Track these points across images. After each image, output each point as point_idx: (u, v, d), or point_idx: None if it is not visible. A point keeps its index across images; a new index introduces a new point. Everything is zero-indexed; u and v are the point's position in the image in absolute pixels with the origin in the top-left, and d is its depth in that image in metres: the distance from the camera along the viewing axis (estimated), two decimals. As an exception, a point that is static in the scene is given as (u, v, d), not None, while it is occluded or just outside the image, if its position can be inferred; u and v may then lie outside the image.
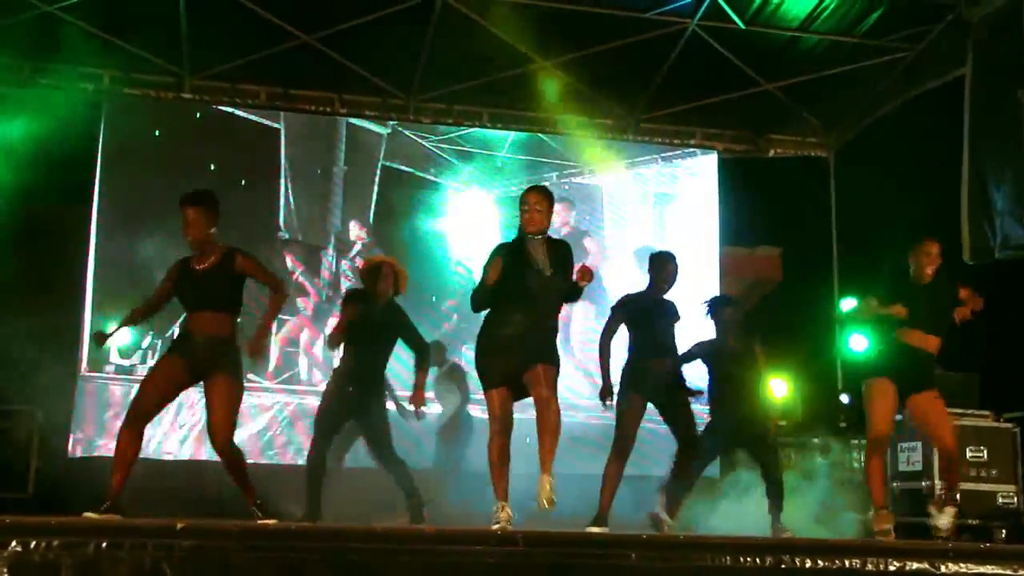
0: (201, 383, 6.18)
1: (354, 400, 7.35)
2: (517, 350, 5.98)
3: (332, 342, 7.58)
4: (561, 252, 6.25)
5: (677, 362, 7.46)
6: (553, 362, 6.05)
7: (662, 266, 7.39)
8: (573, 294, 6.28)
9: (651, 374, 7.15)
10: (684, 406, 7.35)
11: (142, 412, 6.11)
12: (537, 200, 6.17)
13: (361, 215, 11.01)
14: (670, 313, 7.41)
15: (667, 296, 7.41)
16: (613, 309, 7.39)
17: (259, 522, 5.89)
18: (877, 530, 6.72)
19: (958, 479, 7.13)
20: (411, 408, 7.40)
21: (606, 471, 7.13)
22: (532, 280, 6.06)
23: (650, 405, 7.26)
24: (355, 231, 10.98)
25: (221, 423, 6.08)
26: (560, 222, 11.32)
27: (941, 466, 7.45)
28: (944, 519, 6.75)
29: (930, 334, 6.84)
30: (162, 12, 9.64)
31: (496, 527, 5.75)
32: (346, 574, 4.27)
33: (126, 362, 10.06)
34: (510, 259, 6.11)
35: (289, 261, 10.73)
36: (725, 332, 7.83)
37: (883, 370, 6.84)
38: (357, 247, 10.90)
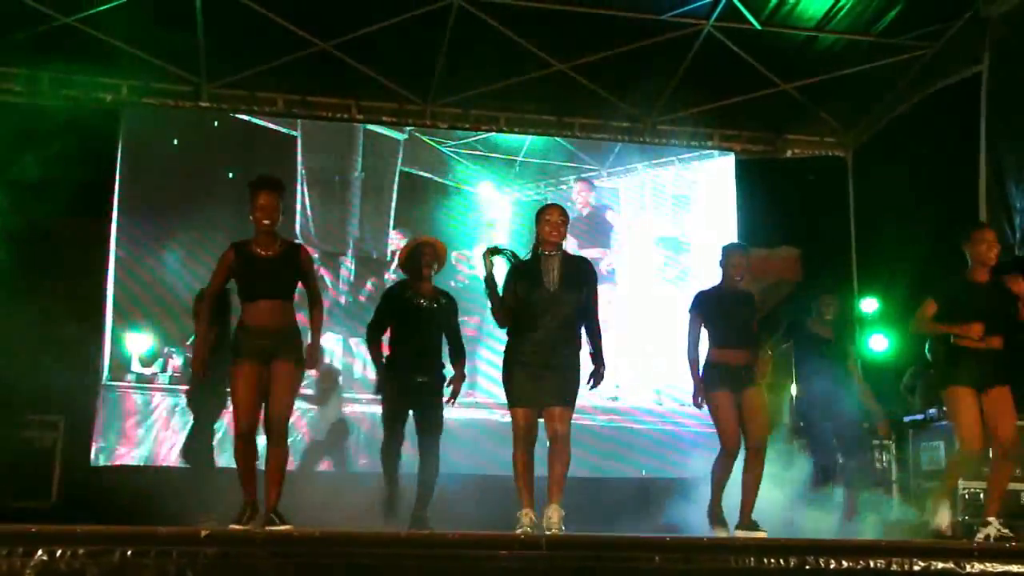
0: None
1: (413, 389, 7.25)
2: (538, 372, 6.21)
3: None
4: (575, 267, 6.41)
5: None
6: (569, 403, 6.27)
7: (728, 257, 7.37)
8: (587, 315, 6.40)
9: (731, 367, 7.09)
10: None
11: (248, 426, 6.11)
12: (559, 215, 6.36)
13: (385, 222, 11.01)
14: (746, 304, 7.33)
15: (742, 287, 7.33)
16: (690, 311, 7.30)
17: (273, 528, 5.88)
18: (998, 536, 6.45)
19: (1003, 486, 6.92)
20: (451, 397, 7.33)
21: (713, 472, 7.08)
22: (543, 297, 6.24)
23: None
24: (396, 241, 10.98)
25: (284, 411, 6.12)
26: (581, 203, 11.35)
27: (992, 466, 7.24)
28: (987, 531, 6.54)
29: (993, 335, 6.71)
30: (179, 21, 9.66)
31: (519, 531, 5.79)
32: (369, 580, 4.28)
33: (147, 371, 10.09)
34: (523, 278, 6.30)
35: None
36: None
37: (960, 377, 6.69)
38: (368, 252, 10.93)
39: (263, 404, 6.13)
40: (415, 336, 7.31)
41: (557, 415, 6.19)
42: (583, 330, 6.42)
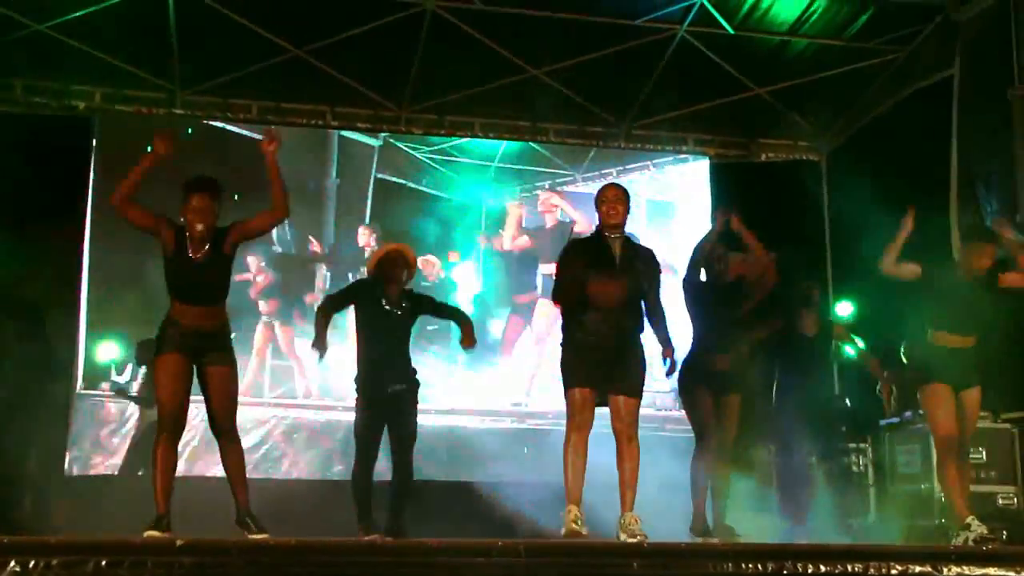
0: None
1: (387, 399, 7.15)
2: (601, 356, 6.02)
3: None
4: (635, 252, 6.30)
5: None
6: (633, 392, 6.09)
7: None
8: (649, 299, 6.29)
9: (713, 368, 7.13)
10: None
11: (178, 431, 6.06)
12: (616, 195, 6.30)
13: (347, 228, 10.99)
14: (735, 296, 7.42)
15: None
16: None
17: (249, 536, 5.85)
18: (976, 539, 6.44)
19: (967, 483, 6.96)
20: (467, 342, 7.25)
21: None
22: (606, 279, 6.10)
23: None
24: (364, 237, 10.99)
25: (228, 405, 6.08)
26: (544, 211, 11.38)
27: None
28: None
29: (968, 335, 6.80)
30: (152, 28, 9.63)
31: (563, 530, 5.78)
32: (348, 588, 4.26)
33: (122, 379, 10.02)
34: (588, 256, 6.18)
35: (283, 275, 10.72)
36: None
37: (938, 375, 6.77)
38: (367, 253, 10.90)
39: (187, 405, 6.07)
40: (384, 342, 7.20)
41: (622, 406, 6.04)
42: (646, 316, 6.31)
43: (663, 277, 6.43)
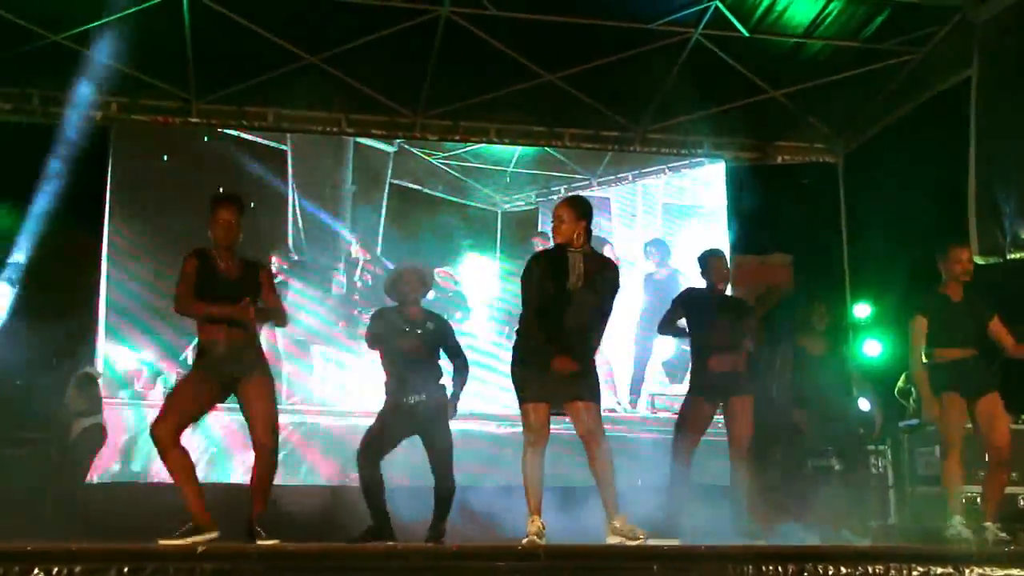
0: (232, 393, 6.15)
1: (406, 410, 7.22)
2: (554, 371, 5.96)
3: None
4: (600, 268, 6.23)
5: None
6: (593, 398, 6.06)
7: (707, 263, 7.42)
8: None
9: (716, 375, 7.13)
10: None
11: (182, 423, 6.03)
12: (558, 212, 6.19)
13: (364, 234, 11.01)
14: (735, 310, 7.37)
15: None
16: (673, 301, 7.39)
17: (258, 542, 5.84)
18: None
19: (1000, 492, 7.04)
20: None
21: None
22: (565, 293, 6.05)
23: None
24: (356, 250, 11.01)
25: (271, 418, 6.09)
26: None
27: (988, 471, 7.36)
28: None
29: (966, 347, 6.93)
30: (168, 37, 9.66)
31: (525, 540, 5.72)
32: (369, 593, 4.27)
33: (139, 386, 10.06)
34: (547, 269, 6.12)
35: (299, 282, 10.74)
36: None
37: (947, 385, 6.93)
38: (360, 264, 10.92)
39: (198, 418, 6.14)
40: (404, 361, 7.26)
41: (582, 410, 6.02)
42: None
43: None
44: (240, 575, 4.22)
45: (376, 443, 7.25)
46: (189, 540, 5.57)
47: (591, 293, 6.11)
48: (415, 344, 7.26)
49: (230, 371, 6.04)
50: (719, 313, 7.28)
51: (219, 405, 6.25)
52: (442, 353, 7.49)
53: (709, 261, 7.42)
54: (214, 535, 5.75)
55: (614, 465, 6.03)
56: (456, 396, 7.33)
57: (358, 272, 10.91)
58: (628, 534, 5.75)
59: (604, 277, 6.19)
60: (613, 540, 5.80)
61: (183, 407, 6.04)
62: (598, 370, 6.27)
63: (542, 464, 6.01)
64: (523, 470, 6.00)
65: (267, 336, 10.40)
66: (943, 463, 7.09)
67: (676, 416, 7.54)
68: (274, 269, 10.57)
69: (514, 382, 6.17)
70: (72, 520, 8.62)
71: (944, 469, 7.04)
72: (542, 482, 5.99)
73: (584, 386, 6.04)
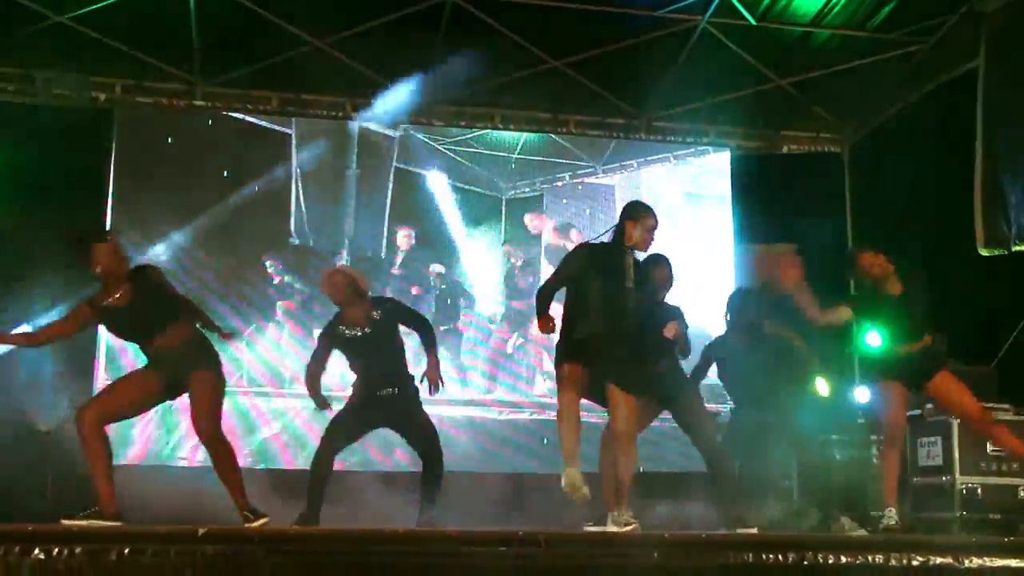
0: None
1: (375, 402, 7.13)
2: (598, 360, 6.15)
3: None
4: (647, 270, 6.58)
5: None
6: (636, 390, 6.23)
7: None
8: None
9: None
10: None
11: (109, 413, 6.17)
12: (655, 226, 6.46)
13: (380, 220, 11.00)
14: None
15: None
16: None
17: (246, 525, 5.98)
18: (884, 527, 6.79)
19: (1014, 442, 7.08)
20: (431, 387, 7.12)
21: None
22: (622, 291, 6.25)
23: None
24: (403, 239, 11.01)
25: (205, 409, 6.17)
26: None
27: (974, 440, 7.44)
28: None
29: (914, 341, 6.96)
30: (173, 20, 9.65)
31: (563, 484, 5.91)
32: (368, 577, 4.27)
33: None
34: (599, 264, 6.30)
35: (300, 269, 10.73)
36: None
37: (888, 372, 6.99)
38: (401, 255, 10.95)
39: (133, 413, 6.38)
40: (363, 364, 7.19)
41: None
42: None
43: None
44: (242, 558, 4.22)
45: (342, 436, 7.15)
46: (87, 522, 5.84)
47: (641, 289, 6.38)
48: (362, 345, 7.14)
49: (172, 371, 6.16)
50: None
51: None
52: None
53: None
54: (117, 524, 5.90)
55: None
56: (433, 363, 7.11)
57: (362, 259, 10.88)
58: (622, 521, 5.92)
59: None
60: (611, 528, 5.95)
61: (118, 400, 6.22)
62: None
63: (577, 408, 6.14)
64: (558, 414, 6.19)
65: (272, 335, 10.50)
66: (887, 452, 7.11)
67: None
68: (270, 271, 10.58)
69: (557, 350, 6.34)
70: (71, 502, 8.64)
71: (889, 462, 7.07)
72: (579, 426, 6.12)
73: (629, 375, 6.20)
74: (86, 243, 6.20)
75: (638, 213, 6.44)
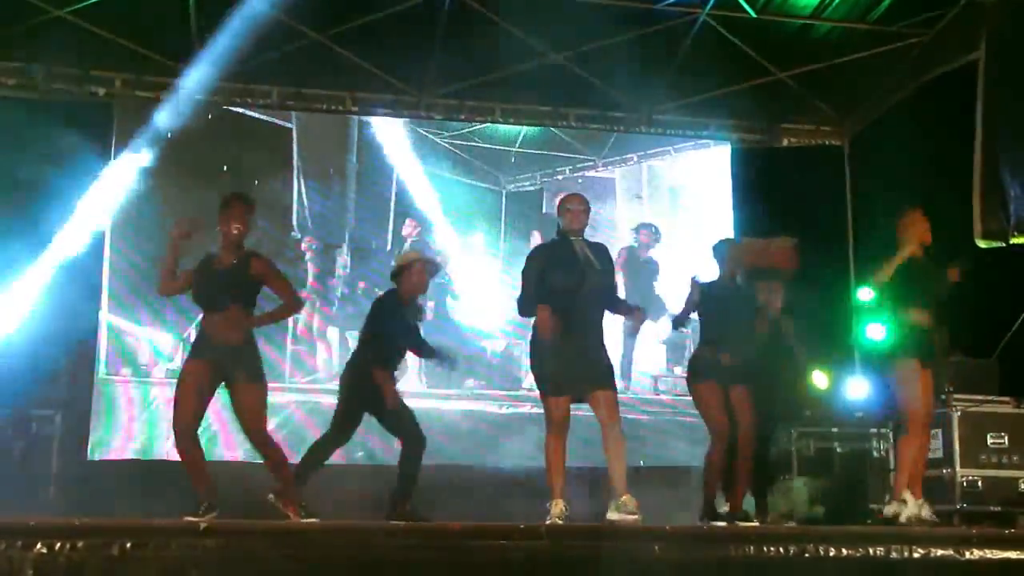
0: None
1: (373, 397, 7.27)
2: (572, 359, 6.20)
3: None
4: (601, 252, 6.55)
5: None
6: (610, 385, 6.29)
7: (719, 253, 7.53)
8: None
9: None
10: None
11: (187, 426, 6.20)
12: (579, 202, 6.51)
13: (381, 213, 10.99)
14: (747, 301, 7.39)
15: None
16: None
17: (297, 521, 6.09)
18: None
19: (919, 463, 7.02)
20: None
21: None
22: (576, 278, 6.30)
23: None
24: (408, 227, 11.01)
25: (258, 426, 6.31)
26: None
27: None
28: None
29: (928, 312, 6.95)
30: (172, 13, 9.64)
31: (548, 521, 5.97)
32: (371, 571, 4.26)
33: (143, 364, 10.07)
34: (553, 258, 6.40)
35: (304, 262, 10.73)
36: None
37: (911, 350, 6.91)
38: (408, 242, 10.92)
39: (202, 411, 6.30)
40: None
41: (601, 401, 6.22)
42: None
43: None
44: (243, 552, 4.22)
45: (344, 433, 7.41)
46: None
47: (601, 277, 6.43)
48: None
49: (222, 365, 6.22)
50: (734, 304, 7.29)
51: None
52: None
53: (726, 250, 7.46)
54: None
55: (625, 446, 6.29)
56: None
57: (364, 251, 10.87)
58: (626, 510, 5.95)
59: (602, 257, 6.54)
60: (613, 516, 6.01)
61: (191, 402, 6.22)
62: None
63: (564, 449, 6.29)
64: (546, 455, 6.29)
65: (270, 329, 10.49)
66: (911, 438, 7.04)
67: (677, 399, 7.55)
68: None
69: (533, 372, 6.47)
70: (74, 496, 8.67)
71: (917, 447, 7.02)
72: (565, 466, 6.26)
73: (601, 374, 6.28)
74: (237, 203, 6.39)
75: (561, 203, 6.61)
